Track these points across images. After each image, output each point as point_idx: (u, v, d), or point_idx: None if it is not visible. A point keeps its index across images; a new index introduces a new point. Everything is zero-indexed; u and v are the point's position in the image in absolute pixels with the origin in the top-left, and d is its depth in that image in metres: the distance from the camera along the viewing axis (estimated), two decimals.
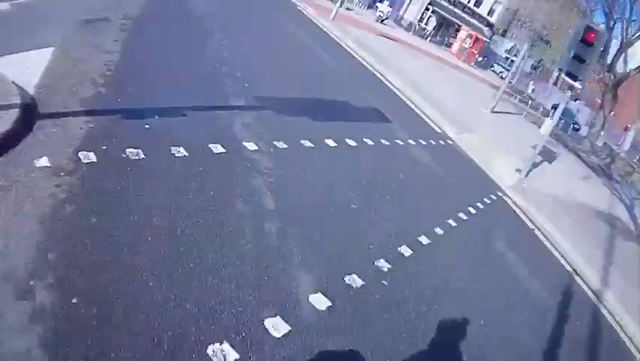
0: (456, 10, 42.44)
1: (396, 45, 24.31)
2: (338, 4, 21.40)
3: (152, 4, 10.13)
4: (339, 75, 12.37)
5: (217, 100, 6.46)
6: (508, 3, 45.69)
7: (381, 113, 9.69)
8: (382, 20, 31.41)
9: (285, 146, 5.91)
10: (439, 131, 11.40)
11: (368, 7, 38.32)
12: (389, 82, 13.89)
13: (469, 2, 43.27)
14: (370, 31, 24.42)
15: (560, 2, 36.47)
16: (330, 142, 6.78)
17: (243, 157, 5.21)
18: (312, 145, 6.37)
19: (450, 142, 10.92)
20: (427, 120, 11.86)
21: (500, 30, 48.46)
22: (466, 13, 42.87)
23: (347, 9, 29.37)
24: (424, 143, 9.46)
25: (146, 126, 4.84)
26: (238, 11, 14.45)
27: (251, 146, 5.48)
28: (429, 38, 39.14)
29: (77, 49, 5.94)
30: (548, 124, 11.28)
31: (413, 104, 12.75)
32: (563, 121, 29.09)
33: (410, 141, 9.04)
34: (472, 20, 43.14)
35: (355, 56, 15.58)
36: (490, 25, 44.29)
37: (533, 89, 36.58)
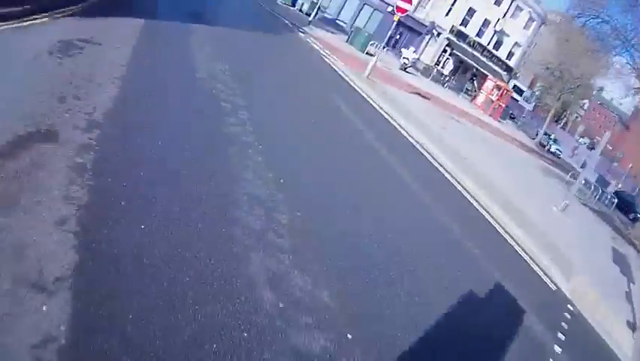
0: (475, 52, 39.97)
1: (432, 105, 21.73)
2: (375, 59, 18.54)
3: (140, 79, 6.87)
4: (415, 193, 9.29)
5: None
6: (527, 46, 43.64)
7: (506, 294, 6.61)
8: (406, 68, 28.65)
9: None
10: (549, 284, 8.36)
11: (384, 48, 35.68)
12: (455, 179, 10.99)
13: (488, 44, 40.90)
14: (402, 86, 21.79)
15: (588, 53, 34.29)
16: None
17: None
18: None
19: (572, 310, 7.84)
20: (530, 262, 8.80)
21: (517, 73, 46.31)
22: (485, 56, 40.42)
23: (367, 53, 26.76)
24: (562, 338, 6.36)
25: None
26: (268, 92, 11.38)
27: None
28: (446, 84, 36.53)
29: None
30: None
31: (498, 223, 9.84)
32: (608, 197, 26.60)
33: (557, 350, 5.97)
34: (490, 64, 40.72)
35: (411, 140, 12.58)
36: (509, 69, 41.92)
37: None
